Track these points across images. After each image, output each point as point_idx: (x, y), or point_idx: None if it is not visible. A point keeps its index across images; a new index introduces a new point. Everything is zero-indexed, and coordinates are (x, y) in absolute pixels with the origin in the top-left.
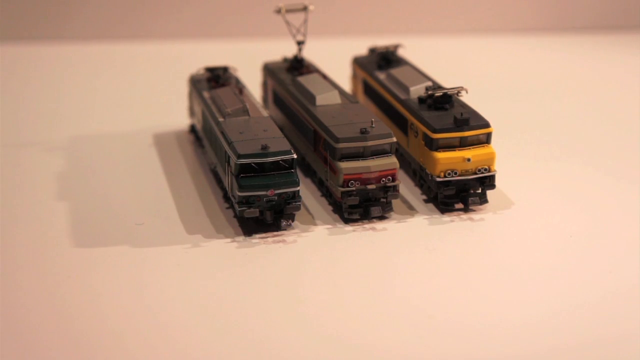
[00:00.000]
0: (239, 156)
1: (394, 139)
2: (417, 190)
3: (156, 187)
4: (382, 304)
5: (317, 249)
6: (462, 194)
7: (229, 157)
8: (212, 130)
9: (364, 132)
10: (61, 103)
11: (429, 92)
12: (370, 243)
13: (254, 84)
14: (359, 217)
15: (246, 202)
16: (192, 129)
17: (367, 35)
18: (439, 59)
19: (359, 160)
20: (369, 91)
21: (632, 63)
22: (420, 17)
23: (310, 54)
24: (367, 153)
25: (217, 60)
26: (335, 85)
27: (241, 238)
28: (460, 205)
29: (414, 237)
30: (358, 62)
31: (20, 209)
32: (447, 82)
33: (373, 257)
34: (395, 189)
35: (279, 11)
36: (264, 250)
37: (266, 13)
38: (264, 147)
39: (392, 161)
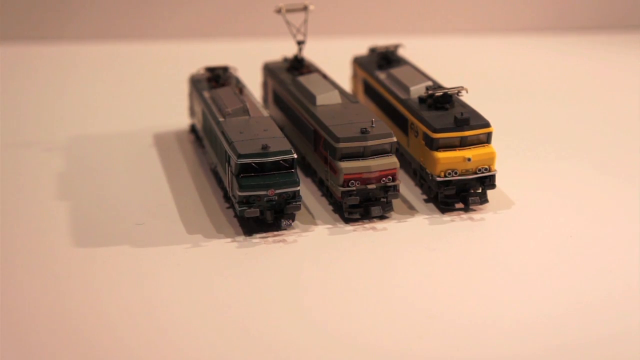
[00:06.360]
0: (240, 156)
1: (394, 139)
2: (418, 190)
3: (156, 187)
4: (382, 304)
5: (318, 249)
6: (463, 193)
7: (229, 156)
8: (213, 130)
9: (364, 132)
10: (61, 103)
11: (429, 92)
12: (370, 243)
13: (254, 84)
14: (359, 217)
15: (246, 201)
16: (193, 129)
17: (367, 35)
18: (439, 59)
19: (359, 160)
20: (369, 91)
21: (632, 63)
22: (420, 17)
23: (310, 53)
24: (368, 153)
25: (217, 60)
26: (335, 85)
27: (241, 238)
28: (460, 205)
29: (414, 236)
30: (358, 62)
31: (20, 209)
32: (447, 82)
33: (373, 256)
34: (395, 188)
35: (279, 11)
36: (264, 250)
37: (266, 13)
38: (265, 147)
39: (392, 161)
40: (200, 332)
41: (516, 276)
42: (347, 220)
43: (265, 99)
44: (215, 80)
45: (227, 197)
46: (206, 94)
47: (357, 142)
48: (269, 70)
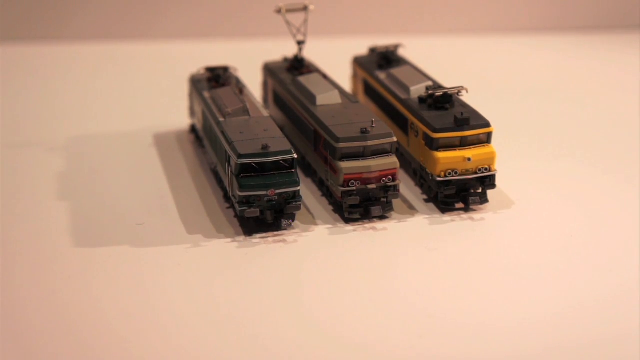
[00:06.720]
0: (240, 156)
1: (395, 139)
2: (418, 190)
3: (156, 187)
4: (382, 304)
5: (318, 249)
6: (463, 193)
7: (229, 157)
8: (213, 130)
9: (364, 131)
10: (61, 103)
11: (430, 92)
12: (370, 243)
13: (254, 84)
14: (359, 217)
15: (247, 201)
16: (193, 129)
17: (367, 35)
18: (439, 59)
19: (359, 160)
20: (370, 91)
21: (632, 63)
22: (420, 17)
23: (310, 53)
24: (368, 153)
25: (217, 60)
26: (335, 85)
27: (242, 238)
28: (460, 205)
29: (414, 236)
30: (358, 62)
31: (20, 209)
32: (448, 81)
33: (373, 256)
34: (395, 188)
35: (279, 11)
36: (265, 250)
37: (266, 13)
38: (265, 147)
39: (392, 161)
40: (200, 332)
41: (516, 276)
42: (347, 220)
43: (265, 99)
44: (216, 80)
45: (227, 197)
46: (206, 94)
47: (357, 142)
48: (269, 70)
